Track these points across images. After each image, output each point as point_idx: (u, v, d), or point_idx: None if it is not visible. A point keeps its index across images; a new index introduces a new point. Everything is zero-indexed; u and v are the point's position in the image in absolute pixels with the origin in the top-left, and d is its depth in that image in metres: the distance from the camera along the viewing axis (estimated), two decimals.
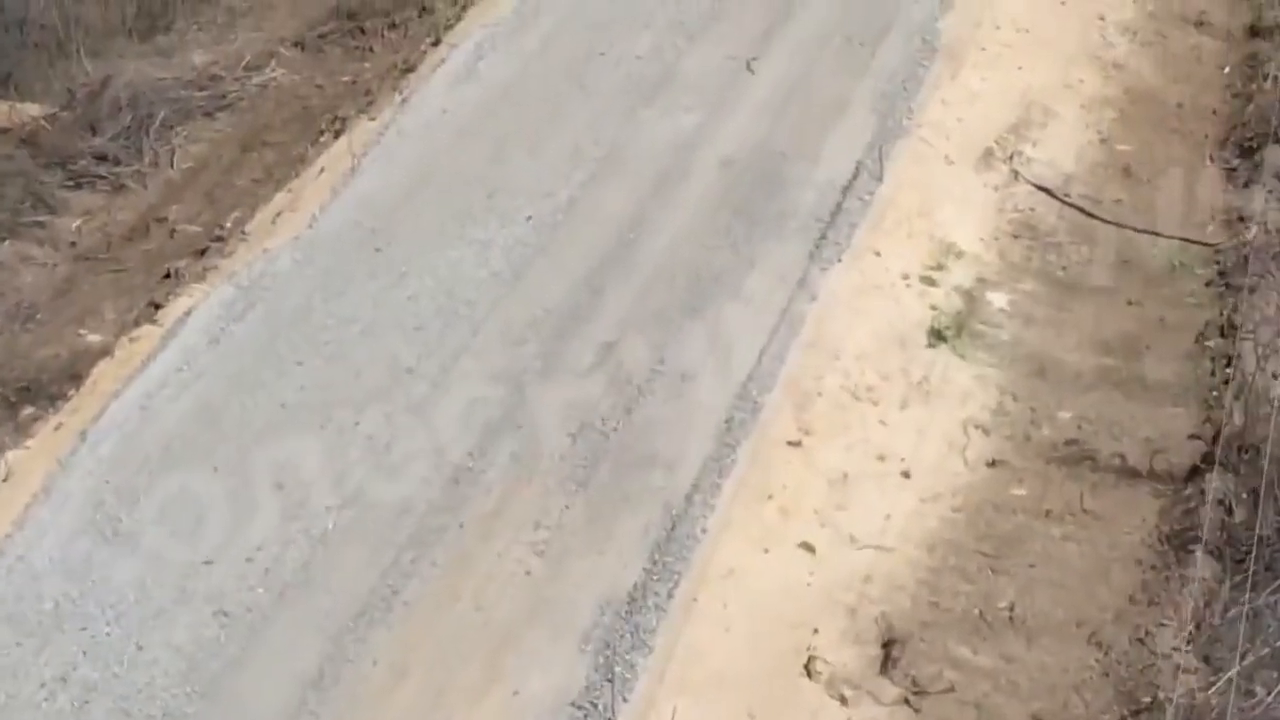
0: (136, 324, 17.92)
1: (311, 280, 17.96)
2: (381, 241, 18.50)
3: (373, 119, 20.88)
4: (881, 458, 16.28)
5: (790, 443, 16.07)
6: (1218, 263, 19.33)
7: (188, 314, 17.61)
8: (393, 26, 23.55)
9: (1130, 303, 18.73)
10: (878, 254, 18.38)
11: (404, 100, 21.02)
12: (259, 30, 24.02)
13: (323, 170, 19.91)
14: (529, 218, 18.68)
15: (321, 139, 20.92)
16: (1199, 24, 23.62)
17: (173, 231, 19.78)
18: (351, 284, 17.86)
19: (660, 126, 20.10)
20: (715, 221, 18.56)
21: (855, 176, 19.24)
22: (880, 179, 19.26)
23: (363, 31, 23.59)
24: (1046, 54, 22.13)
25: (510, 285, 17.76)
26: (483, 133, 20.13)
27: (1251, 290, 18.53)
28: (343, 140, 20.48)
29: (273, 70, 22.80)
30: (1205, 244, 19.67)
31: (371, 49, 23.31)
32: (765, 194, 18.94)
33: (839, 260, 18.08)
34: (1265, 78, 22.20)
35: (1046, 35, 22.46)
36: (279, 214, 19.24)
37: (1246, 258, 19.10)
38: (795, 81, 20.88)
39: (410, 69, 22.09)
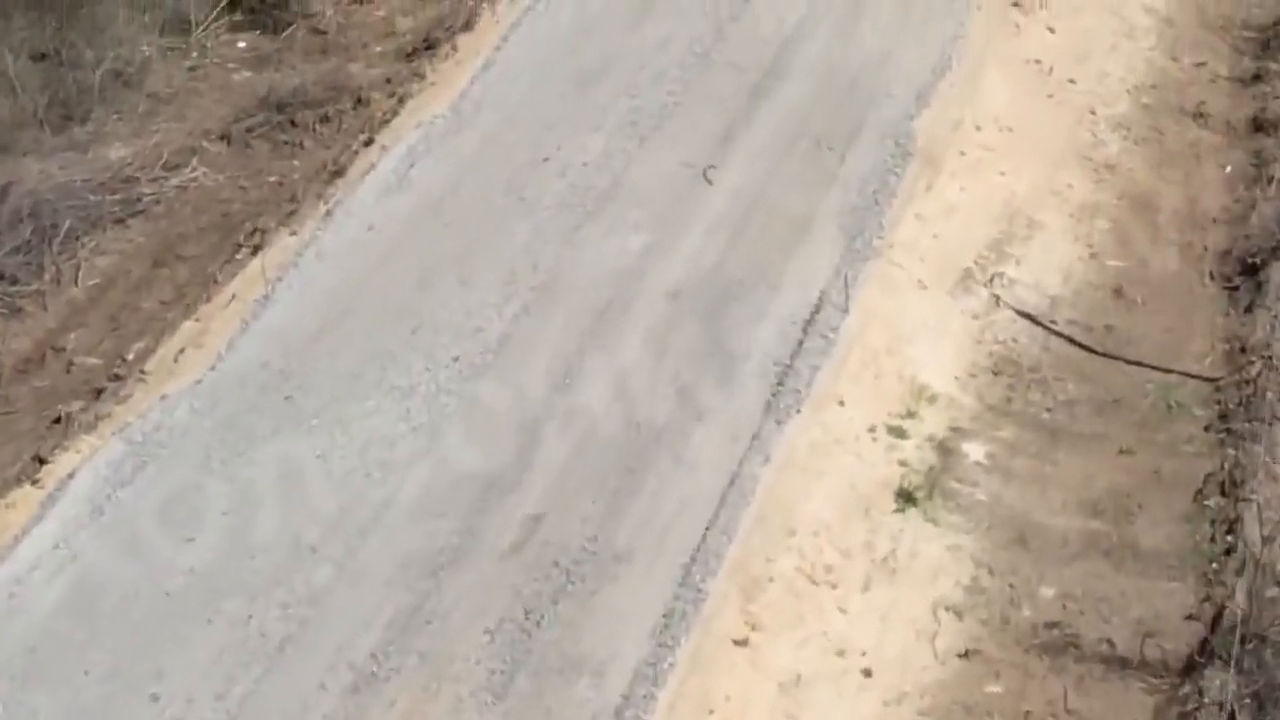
0: (18, 482, 16.11)
1: (211, 435, 16.15)
2: (291, 386, 16.69)
3: (294, 233, 19.07)
4: (840, 653, 14.48)
5: (736, 641, 14.26)
6: (1218, 402, 17.52)
7: (71, 475, 15.79)
8: (325, 120, 21.74)
9: (1122, 451, 16.93)
10: (841, 403, 16.57)
11: (328, 213, 19.20)
12: (182, 120, 22.21)
13: (234, 298, 18.10)
14: (456, 359, 16.88)
15: (238, 255, 19.11)
16: (1198, 116, 21.80)
17: (70, 364, 17.99)
18: (254, 441, 16.05)
19: (605, 248, 18.29)
20: (661, 366, 16.75)
21: (818, 309, 17.43)
22: (846, 310, 17.45)
23: (293, 124, 21.78)
24: (1032, 156, 20.32)
25: (430, 443, 15.95)
26: (410, 254, 18.33)
27: (1254, 440, 16.72)
28: (259, 259, 18.67)
29: (193, 169, 21.01)
30: (1204, 379, 17.88)
31: (302, 144, 21.52)
32: (718, 331, 17.15)
33: (798, 412, 16.27)
34: (1269, 181, 20.38)
35: (1032, 134, 20.65)
36: (183, 350, 17.42)
37: (1249, 399, 17.29)
38: (756, 193, 19.06)
39: (339, 172, 20.27)
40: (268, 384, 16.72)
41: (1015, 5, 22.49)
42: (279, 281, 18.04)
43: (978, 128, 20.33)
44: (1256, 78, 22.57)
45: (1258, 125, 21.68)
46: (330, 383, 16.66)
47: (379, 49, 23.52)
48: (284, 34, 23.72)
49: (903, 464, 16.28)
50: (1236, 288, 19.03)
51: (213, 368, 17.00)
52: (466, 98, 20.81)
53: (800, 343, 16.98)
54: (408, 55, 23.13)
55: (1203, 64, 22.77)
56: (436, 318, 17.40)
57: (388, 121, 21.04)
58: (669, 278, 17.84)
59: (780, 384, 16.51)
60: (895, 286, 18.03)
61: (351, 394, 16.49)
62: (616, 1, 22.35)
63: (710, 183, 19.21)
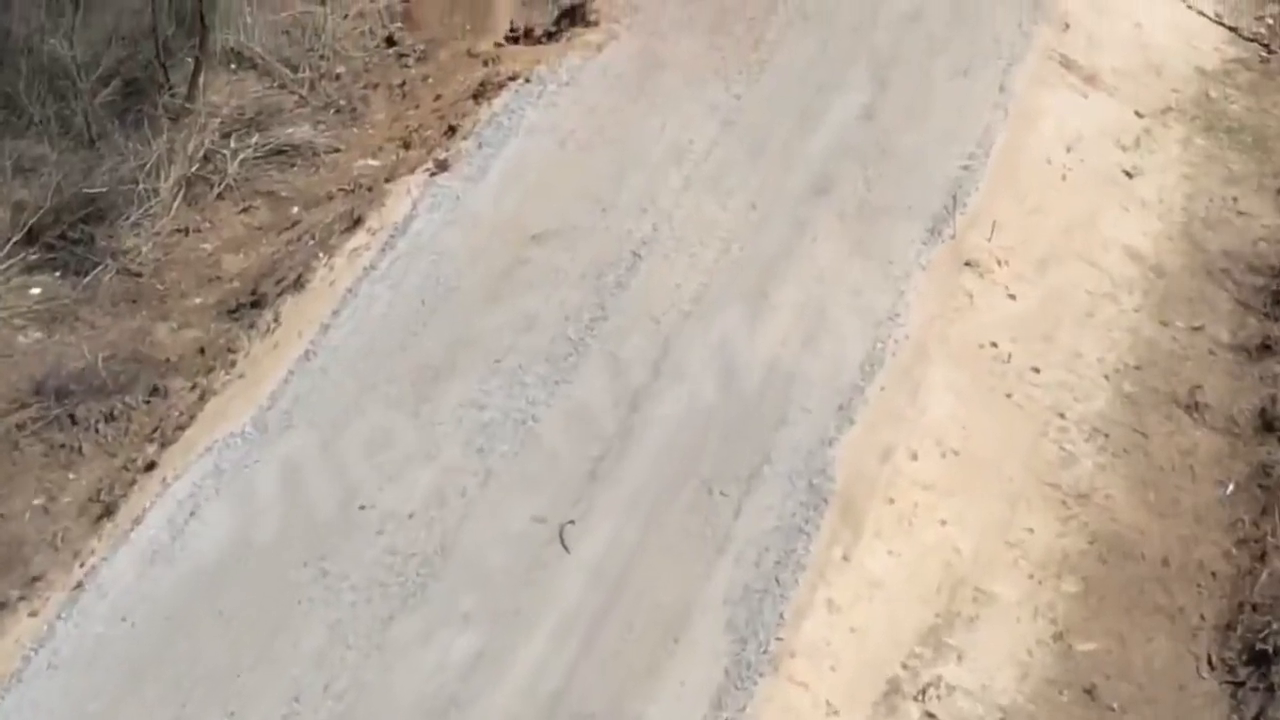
0: None
1: None
2: None
3: (34, 614, 14.96)
4: None
5: None
6: None
7: None
8: (110, 418, 17.56)
9: None
10: None
11: (79, 585, 15.04)
12: None
13: None
14: None
15: None
16: (1192, 408, 17.58)
17: None
18: None
19: (420, 659, 14.12)
20: None
21: None
22: None
23: (73, 420, 17.61)
24: (983, 492, 16.10)
25: None
26: (168, 664, 14.15)
27: None
28: None
29: None
30: None
31: (80, 450, 17.37)
32: None
33: None
34: None
35: (983, 456, 16.42)
36: None
37: None
38: (623, 567, 14.88)
39: (111, 509, 16.13)
40: None
41: (968, 265, 18.24)
42: None
43: (914, 456, 16.10)
44: (1265, 347, 18.36)
45: (1266, 422, 17.47)
46: None
47: (198, 299, 19.37)
48: (89, 276, 19.57)
49: None
50: (1242, 683, 14.85)
51: None
52: (276, 404, 16.61)
53: None
54: (230, 312, 18.98)
55: (1199, 328, 18.56)
56: None
57: (182, 428, 16.88)
58: (496, 711, 13.62)
59: None
60: (796, 717, 13.80)
61: None
62: (477, 261, 18.16)
63: (567, 550, 15.00)
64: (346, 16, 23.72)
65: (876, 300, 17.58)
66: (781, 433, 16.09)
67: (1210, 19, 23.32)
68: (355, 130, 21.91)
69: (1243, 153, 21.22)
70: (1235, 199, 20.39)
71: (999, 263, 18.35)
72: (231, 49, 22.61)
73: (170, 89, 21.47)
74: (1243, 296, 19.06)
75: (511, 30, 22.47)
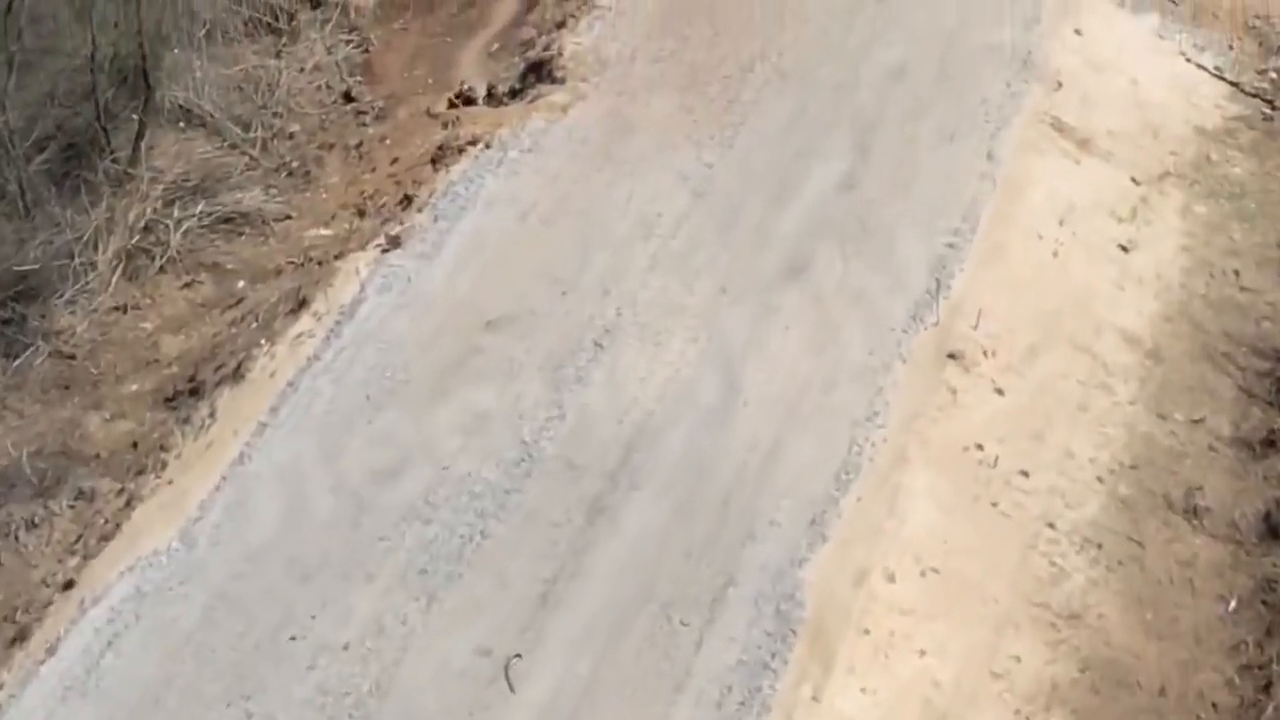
0: None
1: None
2: None
3: None
4: None
5: None
6: None
7: None
8: (33, 524, 16.45)
9: None
10: None
11: None
12: None
13: None
14: None
15: None
16: (1191, 513, 16.39)
17: None
18: None
19: None
20: None
21: None
22: None
23: None
24: (965, 616, 14.90)
25: None
26: None
27: None
28: None
29: None
30: None
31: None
32: None
33: None
34: None
35: (966, 575, 15.23)
36: None
37: None
38: (574, 707, 13.72)
39: (25, 634, 14.99)
40: None
41: (952, 357, 17.05)
42: None
43: (891, 577, 14.91)
44: (1269, 442, 17.16)
45: (1270, 527, 16.30)
46: None
47: (134, 386, 18.23)
48: (19, 360, 18.45)
49: None
50: None
51: None
52: (206, 516, 15.44)
53: None
54: (167, 400, 17.84)
55: (1199, 420, 17.37)
56: None
57: (107, 539, 15.72)
58: None
59: None
60: None
61: None
62: (427, 351, 17.00)
63: (513, 689, 13.83)
64: (303, 70, 22.63)
65: (853, 397, 16.41)
66: (748, 550, 14.91)
67: (1210, 73, 22.15)
68: (308, 195, 20.78)
69: (1245, 221, 20.06)
70: (1237, 273, 19.22)
71: (985, 353, 17.18)
72: (180, 106, 21.45)
73: (111, 153, 20.27)
74: (1246, 384, 17.89)
75: (462, 90, 21.26)
